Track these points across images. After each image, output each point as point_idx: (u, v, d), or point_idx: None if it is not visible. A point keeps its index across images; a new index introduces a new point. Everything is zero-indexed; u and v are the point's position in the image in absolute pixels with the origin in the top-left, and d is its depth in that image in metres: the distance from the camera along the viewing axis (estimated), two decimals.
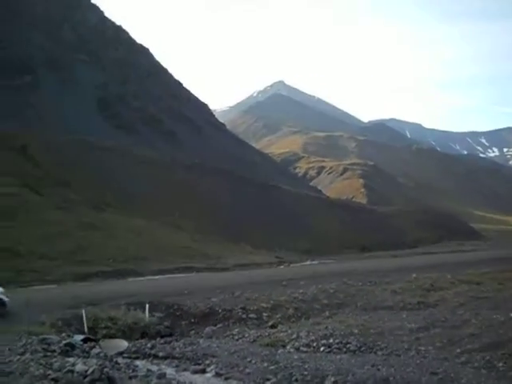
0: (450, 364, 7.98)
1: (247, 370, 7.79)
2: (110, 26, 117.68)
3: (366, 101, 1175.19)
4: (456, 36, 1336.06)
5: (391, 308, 13.97)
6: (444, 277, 20.10)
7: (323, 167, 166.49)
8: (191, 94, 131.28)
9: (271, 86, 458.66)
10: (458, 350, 8.69)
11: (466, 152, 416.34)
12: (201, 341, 10.95)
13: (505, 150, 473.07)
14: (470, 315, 11.37)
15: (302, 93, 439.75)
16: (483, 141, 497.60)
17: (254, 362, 8.37)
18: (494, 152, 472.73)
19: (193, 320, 13.74)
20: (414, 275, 20.85)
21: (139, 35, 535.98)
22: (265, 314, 14.05)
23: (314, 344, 10.00)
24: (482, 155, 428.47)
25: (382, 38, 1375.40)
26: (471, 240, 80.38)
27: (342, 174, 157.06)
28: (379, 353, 9.17)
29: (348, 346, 9.73)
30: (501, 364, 7.70)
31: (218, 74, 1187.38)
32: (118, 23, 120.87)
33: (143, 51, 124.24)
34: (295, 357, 8.70)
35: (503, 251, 45.74)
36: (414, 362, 8.14)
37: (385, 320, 11.96)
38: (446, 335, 9.72)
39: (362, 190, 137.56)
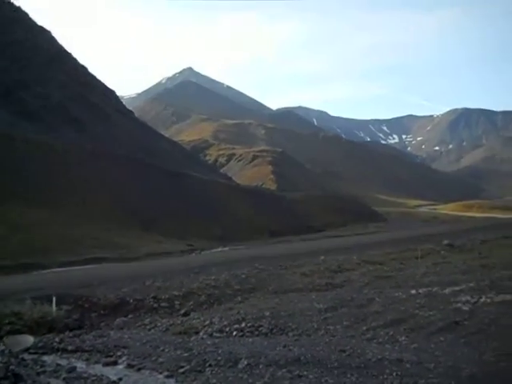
0: (356, 341, 8.31)
1: (160, 360, 7.71)
2: (7, 5, 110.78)
3: (274, 89, 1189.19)
4: (374, 25, 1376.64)
5: (301, 290, 14.32)
6: (350, 258, 20.93)
7: (233, 154, 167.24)
8: (98, 80, 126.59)
9: (180, 72, 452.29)
10: (364, 328, 9.06)
11: (369, 139, 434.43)
12: (111, 332, 10.69)
13: (403, 136, 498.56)
14: (374, 294, 11.89)
15: (212, 80, 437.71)
16: (385, 128, 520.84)
17: (166, 350, 8.30)
18: (394, 139, 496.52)
19: (103, 312, 13.38)
20: (322, 258, 21.55)
21: (40, 17, 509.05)
22: (177, 302, 13.95)
23: (227, 329, 10.07)
24: (383, 142, 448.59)
25: (295, 27, 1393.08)
26: (375, 222, 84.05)
27: (251, 161, 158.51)
28: (290, 334, 9.37)
29: (260, 328, 9.87)
30: (403, 338, 8.13)
31: (124, 59, 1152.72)
32: (17, 3, 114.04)
33: (45, 34, 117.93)
34: (208, 343, 8.72)
35: (404, 232, 48.28)
36: (324, 341, 8.39)
37: (295, 302, 12.24)
38: (353, 314, 10.11)
39: (271, 176, 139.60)
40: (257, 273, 17.89)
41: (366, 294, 12.05)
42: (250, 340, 8.92)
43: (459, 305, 9.62)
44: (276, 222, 72.51)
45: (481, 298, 9.93)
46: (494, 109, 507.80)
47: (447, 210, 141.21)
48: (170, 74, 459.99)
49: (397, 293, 11.69)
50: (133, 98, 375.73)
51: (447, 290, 11.13)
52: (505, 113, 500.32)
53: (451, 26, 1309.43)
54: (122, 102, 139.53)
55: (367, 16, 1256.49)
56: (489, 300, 9.70)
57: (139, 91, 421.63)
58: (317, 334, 9.11)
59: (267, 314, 10.88)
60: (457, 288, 11.24)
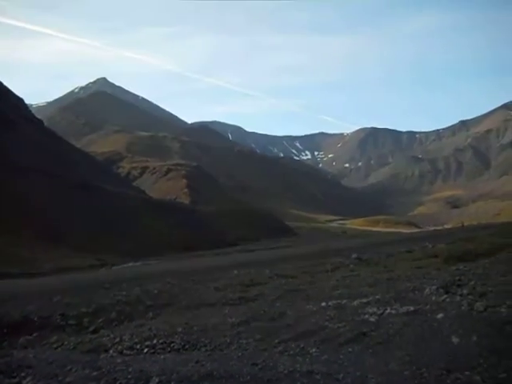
0: (269, 354, 8.37)
1: (67, 379, 7.37)
2: None
3: (190, 102, 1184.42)
4: (288, 46, 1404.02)
5: (214, 305, 14.23)
6: (263, 272, 21.11)
7: (147, 167, 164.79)
8: (4, 86, 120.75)
9: (94, 82, 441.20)
10: (276, 341, 9.14)
11: (282, 154, 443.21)
12: (15, 352, 10.10)
13: (316, 153, 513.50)
14: (286, 307, 12.04)
15: (126, 91, 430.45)
16: (298, 144, 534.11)
17: (74, 369, 7.95)
18: (306, 155, 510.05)
19: (5, 330, 12.65)
20: (236, 272, 21.60)
21: None
22: (86, 320, 13.43)
23: (138, 346, 9.82)
24: (296, 158, 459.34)
25: (212, 43, 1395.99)
26: (287, 237, 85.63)
27: (165, 175, 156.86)
28: (203, 349, 9.29)
29: (172, 345, 9.71)
30: (314, 350, 8.28)
31: (34, 67, 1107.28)
32: None
33: None
34: (118, 361, 8.45)
35: (315, 246, 49.45)
36: (236, 355, 8.38)
37: (208, 316, 12.15)
38: (265, 327, 10.18)
39: (186, 190, 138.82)
40: (169, 288, 17.61)
41: (278, 308, 12.18)
42: (162, 357, 8.75)
43: (366, 316, 9.93)
44: (190, 237, 72.07)
45: (386, 309, 10.30)
46: (400, 129, 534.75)
47: (356, 224, 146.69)
48: (83, 84, 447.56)
49: (308, 305, 11.90)
50: (43, 106, 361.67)
51: (355, 302, 11.46)
52: (409, 133, 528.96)
53: (360, 48, 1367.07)
54: (30, 111, 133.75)
55: (281, 37, 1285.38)
56: (394, 311, 10.08)
57: (50, 100, 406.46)
58: (229, 349, 9.09)
59: (179, 329, 10.72)
60: (364, 300, 11.60)
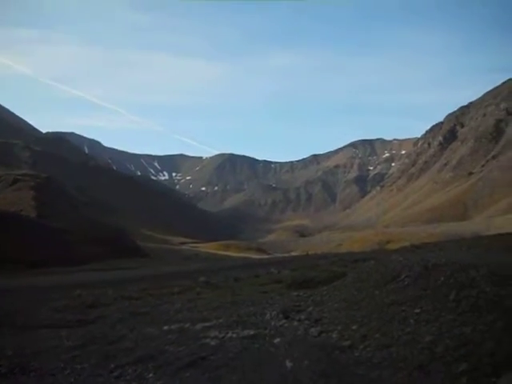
0: (104, 379, 8.10)
1: None
2: None
3: (47, 111, 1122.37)
4: (151, 64, 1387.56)
5: (52, 326, 13.46)
6: (106, 293, 20.44)
7: None
8: None
9: None
10: (113, 365, 8.87)
11: (139, 173, 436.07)
12: None
13: (173, 174, 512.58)
14: (127, 330, 11.76)
15: None
16: (156, 164, 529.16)
17: None
18: (164, 176, 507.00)
19: None
20: (78, 292, 20.67)
21: None
22: None
23: None
24: (153, 177, 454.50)
25: (76, 54, 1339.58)
26: (140, 257, 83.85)
27: (12, 185, 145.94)
28: (32, 374, 8.73)
29: None
30: (151, 375, 8.17)
31: None
32: None
33: None
34: None
35: (166, 268, 49.02)
36: (69, 381, 8.02)
37: (43, 339, 11.47)
38: (103, 351, 9.84)
39: (33, 202, 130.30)
40: (4, 307, 16.38)
41: (119, 331, 11.86)
42: None
43: (207, 340, 10.02)
44: (35, 252, 67.48)
45: (228, 333, 10.47)
46: (257, 157, 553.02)
47: (209, 248, 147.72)
48: None
49: (150, 329, 11.74)
50: None
51: (198, 326, 11.51)
52: (265, 162, 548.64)
53: (228, 75, 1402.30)
54: None
55: (148, 55, 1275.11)
56: (235, 335, 10.28)
57: None
58: (62, 374, 8.64)
59: (10, 353, 9.99)
60: (207, 324, 11.69)
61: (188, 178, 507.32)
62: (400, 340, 7.96)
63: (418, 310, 9.13)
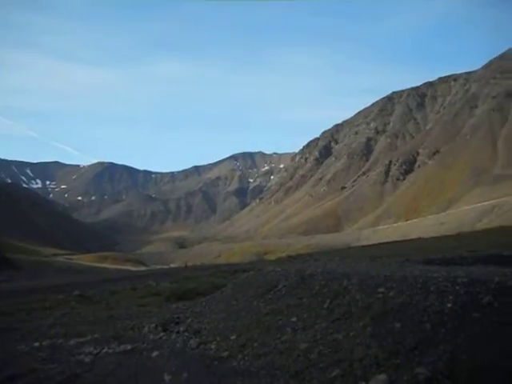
0: None
1: None
2: None
3: None
4: (37, 68, 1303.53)
5: None
6: None
7: None
8: None
9: None
10: None
11: (10, 180, 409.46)
12: None
13: (47, 182, 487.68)
14: None
15: None
16: (28, 171, 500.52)
17: None
18: (37, 184, 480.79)
19: None
20: None
21: None
22: None
23: None
24: (25, 185, 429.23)
25: None
26: (6, 270, 78.40)
27: None
28: None
29: None
30: None
31: None
32: None
33: None
34: None
35: (37, 281, 46.28)
36: None
37: None
38: None
39: None
40: None
41: None
42: None
43: (81, 356, 9.62)
44: None
45: (103, 348, 10.14)
46: (138, 167, 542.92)
47: (84, 260, 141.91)
48: None
49: (20, 346, 11.04)
50: None
51: (72, 342, 11.02)
52: (146, 172, 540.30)
53: (113, 83, 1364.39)
54: None
55: (30, 56, 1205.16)
56: (111, 350, 9.97)
57: None
58: None
59: None
60: (82, 339, 11.23)
61: (63, 186, 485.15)
62: (277, 348, 8.17)
63: (294, 319, 9.44)
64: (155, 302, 17.76)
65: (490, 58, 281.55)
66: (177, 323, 12.20)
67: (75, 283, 37.53)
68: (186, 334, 10.90)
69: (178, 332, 11.19)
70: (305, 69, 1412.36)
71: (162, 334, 11.21)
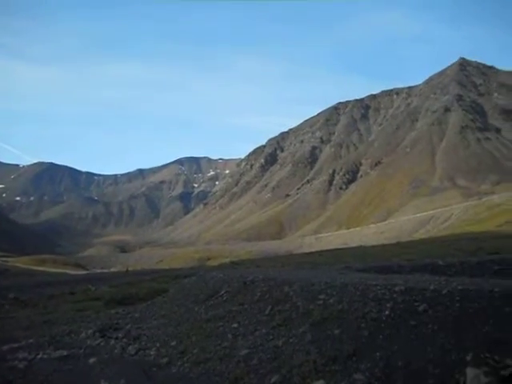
0: None
1: None
2: None
3: None
4: None
5: None
6: None
7: None
8: None
9: None
10: None
11: None
12: None
13: None
14: None
15: None
16: None
17: None
18: None
19: None
20: None
21: None
22: None
23: None
24: None
25: None
26: None
27: None
28: None
29: None
30: None
31: None
32: None
33: None
34: None
35: None
36: None
37: None
38: None
39: None
40: None
41: None
42: None
43: (15, 362, 9.28)
44: None
45: (38, 354, 9.83)
46: (80, 169, 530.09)
47: (21, 262, 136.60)
48: None
49: None
50: None
51: (5, 347, 10.62)
52: (88, 174, 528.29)
53: (60, 83, 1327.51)
54: None
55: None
56: (46, 356, 9.67)
57: None
58: None
59: None
60: (16, 345, 10.84)
61: (1, 186, 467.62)
62: (217, 354, 8.14)
63: (235, 325, 9.44)
64: (94, 307, 17.33)
65: (430, 74, 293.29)
66: (116, 329, 11.94)
67: (10, 286, 36.17)
68: (125, 339, 10.69)
69: (116, 338, 10.96)
70: (254, 75, 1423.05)
71: (99, 339, 10.95)
